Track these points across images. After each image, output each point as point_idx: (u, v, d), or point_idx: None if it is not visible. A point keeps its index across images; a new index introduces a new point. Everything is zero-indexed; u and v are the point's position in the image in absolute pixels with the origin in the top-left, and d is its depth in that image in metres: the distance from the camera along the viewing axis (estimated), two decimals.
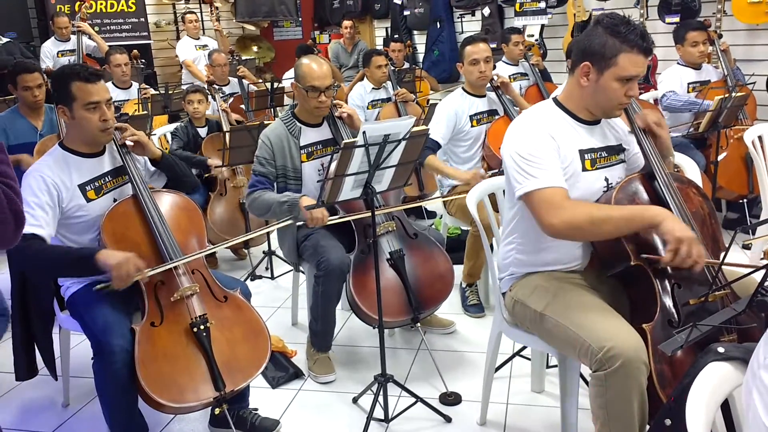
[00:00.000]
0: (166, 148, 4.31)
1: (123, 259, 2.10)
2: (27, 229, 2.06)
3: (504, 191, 2.31)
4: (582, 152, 2.02)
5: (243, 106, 5.24)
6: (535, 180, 1.92)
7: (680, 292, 1.89)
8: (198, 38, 6.69)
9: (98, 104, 2.26)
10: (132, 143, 2.44)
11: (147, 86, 5.32)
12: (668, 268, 1.89)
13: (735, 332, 1.84)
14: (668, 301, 1.88)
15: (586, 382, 2.00)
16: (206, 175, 4.19)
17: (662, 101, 4.18)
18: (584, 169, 2.01)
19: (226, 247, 4.18)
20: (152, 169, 2.58)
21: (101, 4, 6.89)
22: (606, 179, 2.06)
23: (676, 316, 1.86)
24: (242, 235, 3.02)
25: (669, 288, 1.90)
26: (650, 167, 2.06)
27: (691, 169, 2.84)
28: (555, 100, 2.10)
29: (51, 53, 6.01)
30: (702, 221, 2.05)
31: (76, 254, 2.20)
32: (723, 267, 1.83)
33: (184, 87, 5.19)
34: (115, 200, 2.39)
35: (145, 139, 2.47)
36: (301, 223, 2.90)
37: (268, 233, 4.13)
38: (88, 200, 2.32)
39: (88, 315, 2.23)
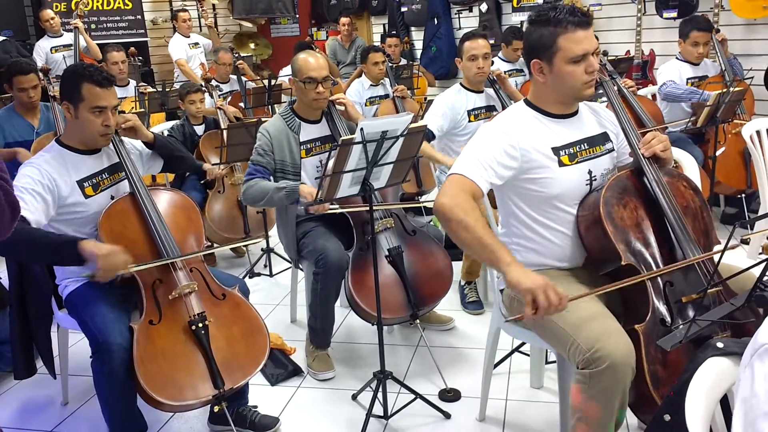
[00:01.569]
0: None
1: (109, 250, 2.07)
2: None
3: None
4: (556, 149, 2.00)
5: (242, 104, 5.24)
6: (457, 165, 1.96)
7: (672, 290, 1.88)
8: (188, 36, 6.65)
9: (104, 109, 2.26)
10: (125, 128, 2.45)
11: (144, 84, 5.30)
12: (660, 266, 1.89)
13: (729, 328, 1.83)
14: (660, 300, 1.87)
15: None
16: (202, 181, 4.15)
17: (662, 89, 4.18)
18: (561, 165, 1.99)
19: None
20: (148, 152, 2.58)
21: (98, 1, 6.86)
22: (590, 171, 2.04)
23: (668, 315, 1.85)
24: (242, 240, 3.01)
25: (661, 286, 1.88)
26: (638, 163, 2.04)
27: (689, 164, 2.84)
28: (526, 100, 2.10)
29: (44, 50, 5.96)
30: (693, 215, 2.02)
31: (58, 239, 2.14)
32: (714, 262, 1.82)
33: (177, 85, 5.17)
34: (112, 197, 2.38)
35: (138, 123, 2.48)
36: (302, 218, 2.91)
37: (266, 231, 4.14)
38: (86, 197, 2.31)
39: (86, 313, 2.22)
